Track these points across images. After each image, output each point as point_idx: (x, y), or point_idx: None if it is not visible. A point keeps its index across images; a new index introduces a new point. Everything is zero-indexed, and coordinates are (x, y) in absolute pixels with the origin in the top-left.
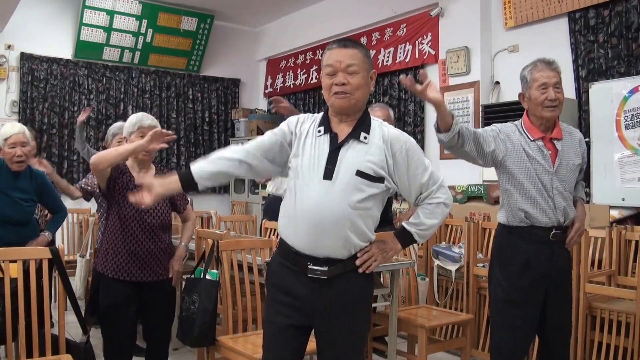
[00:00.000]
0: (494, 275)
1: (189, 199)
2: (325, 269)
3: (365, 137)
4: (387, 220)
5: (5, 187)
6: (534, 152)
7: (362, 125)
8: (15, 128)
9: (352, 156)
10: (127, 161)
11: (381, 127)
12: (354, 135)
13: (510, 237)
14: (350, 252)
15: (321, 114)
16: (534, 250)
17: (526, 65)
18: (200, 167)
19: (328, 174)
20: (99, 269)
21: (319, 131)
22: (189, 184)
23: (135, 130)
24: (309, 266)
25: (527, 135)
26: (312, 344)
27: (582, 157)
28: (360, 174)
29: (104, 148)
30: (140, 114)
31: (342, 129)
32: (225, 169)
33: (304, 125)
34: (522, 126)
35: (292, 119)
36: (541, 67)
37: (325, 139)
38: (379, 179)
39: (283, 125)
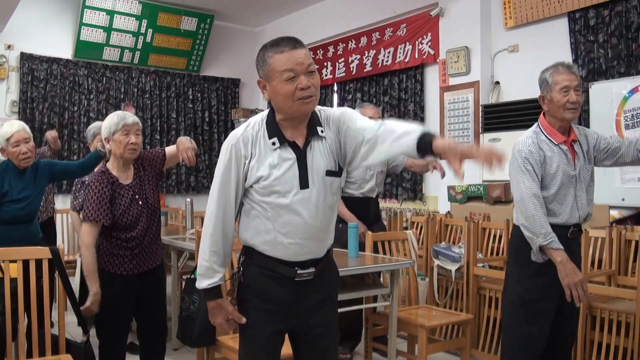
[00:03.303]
0: (513, 274)
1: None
2: (313, 270)
3: (322, 131)
4: (379, 218)
5: (12, 190)
6: (559, 156)
7: (314, 121)
8: (14, 126)
9: (318, 157)
10: (110, 164)
11: (320, 113)
12: (313, 132)
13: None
14: (328, 249)
15: (257, 121)
16: None
17: (546, 69)
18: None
19: (304, 183)
20: (103, 266)
21: (274, 143)
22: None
23: (119, 129)
24: (297, 271)
25: (550, 140)
26: (286, 348)
27: (593, 146)
28: (329, 173)
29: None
30: (120, 112)
31: (298, 133)
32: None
33: (253, 143)
34: (542, 130)
35: (234, 143)
36: (562, 70)
37: (285, 148)
38: (340, 172)
39: (232, 156)
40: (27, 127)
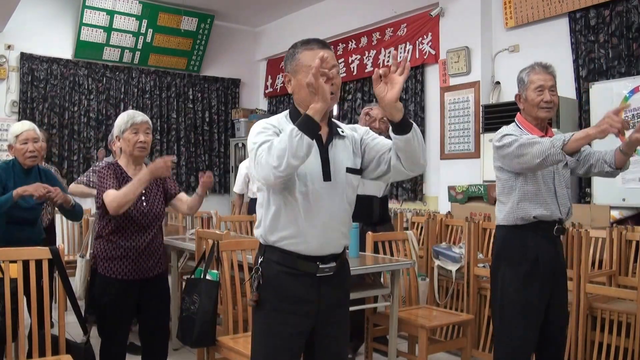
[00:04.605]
0: (501, 275)
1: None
2: (334, 264)
3: (342, 131)
4: (386, 218)
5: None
6: None
7: (332, 121)
8: (25, 125)
9: (339, 154)
10: (121, 160)
11: (337, 122)
12: (334, 132)
13: (516, 236)
14: (345, 246)
15: (280, 116)
16: (541, 246)
17: (524, 68)
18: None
19: (327, 176)
20: (99, 271)
21: None
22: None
23: (128, 128)
24: (319, 266)
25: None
26: None
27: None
28: (349, 170)
29: (106, 148)
30: (130, 111)
31: (321, 128)
32: None
33: (280, 132)
34: (519, 127)
35: (267, 120)
36: (538, 70)
37: None
38: (360, 171)
39: (271, 128)
40: (37, 129)
